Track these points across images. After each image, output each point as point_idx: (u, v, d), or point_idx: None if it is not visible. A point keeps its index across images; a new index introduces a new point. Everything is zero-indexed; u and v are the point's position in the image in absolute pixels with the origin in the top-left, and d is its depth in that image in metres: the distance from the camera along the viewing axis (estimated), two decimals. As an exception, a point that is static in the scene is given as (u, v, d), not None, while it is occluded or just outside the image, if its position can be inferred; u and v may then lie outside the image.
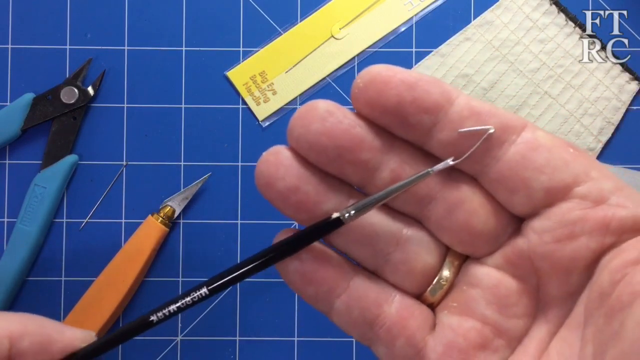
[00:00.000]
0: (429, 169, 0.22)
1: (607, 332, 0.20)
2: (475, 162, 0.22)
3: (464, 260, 0.24)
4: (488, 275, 0.23)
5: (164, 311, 0.23)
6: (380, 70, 0.21)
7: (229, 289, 0.23)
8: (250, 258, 0.23)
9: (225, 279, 0.23)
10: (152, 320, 0.23)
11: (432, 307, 0.24)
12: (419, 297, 0.24)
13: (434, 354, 0.23)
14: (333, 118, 0.22)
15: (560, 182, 0.21)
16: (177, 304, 0.23)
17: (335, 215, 0.22)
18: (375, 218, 0.23)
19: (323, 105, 0.22)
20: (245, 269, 0.23)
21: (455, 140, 0.22)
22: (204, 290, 0.23)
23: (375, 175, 0.23)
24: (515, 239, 0.23)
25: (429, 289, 0.24)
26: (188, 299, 0.23)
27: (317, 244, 0.23)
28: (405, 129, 0.22)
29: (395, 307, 0.23)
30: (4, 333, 0.23)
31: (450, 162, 0.22)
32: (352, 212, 0.22)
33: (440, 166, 0.22)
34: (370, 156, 0.22)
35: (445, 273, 0.24)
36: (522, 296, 0.23)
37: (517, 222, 0.23)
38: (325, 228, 0.22)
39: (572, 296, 0.22)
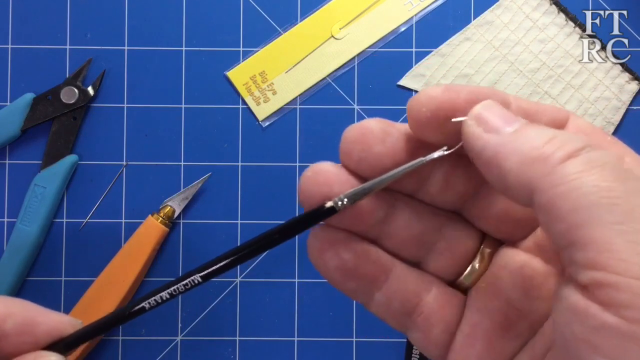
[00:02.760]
0: (422, 158, 0.22)
1: None
2: None
3: (499, 245, 0.24)
4: (517, 257, 0.23)
5: (155, 297, 0.23)
6: (440, 96, 0.21)
7: (223, 274, 0.23)
8: (241, 246, 0.23)
9: (217, 266, 0.23)
10: (144, 307, 0.23)
11: (465, 290, 0.25)
12: (454, 281, 0.24)
13: (460, 335, 0.23)
14: (391, 137, 0.22)
15: None
16: (169, 290, 0.23)
17: (329, 204, 0.22)
18: (422, 216, 0.24)
19: (377, 125, 0.22)
20: (236, 256, 0.23)
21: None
22: (196, 277, 0.23)
23: (427, 182, 0.23)
24: None
25: (464, 274, 0.24)
26: (180, 285, 0.23)
27: (357, 240, 0.23)
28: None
29: (434, 295, 0.24)
30: None
31: (444, 152, 0.22)
32: (345, 200, 0.22)
33: (434, 155, 0.22)
34: (430, 169, 0.23)
35: (480, 259, 0.24)
36: (548, 278, 0.23)
37: None
38: (318, 216, 0.23)
39: None
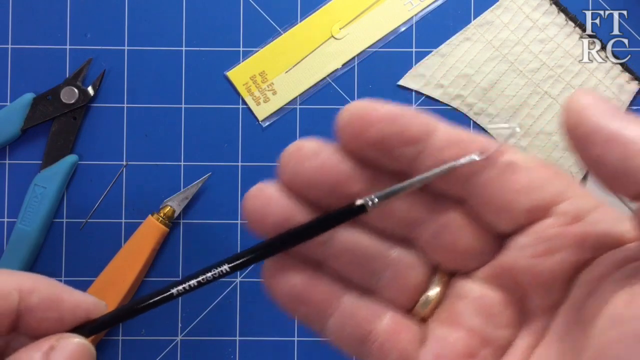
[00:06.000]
0: (454, 162, 0.22)
1: (580, 343, 0.20)
2: (459, 187, 0.23)
3: (452, 275, 0.25)
4: (474, 287, 0.24)
5: (184, 285, 0.24)
6: (362, 107, 0.22)
7: (250, 267, 0.24)
8: (271, 239, 0.24)
9: (247, 258, 0.24)
10: (172, 293, 0.24)
11: (423, 320, 0.25)
12: (409, 311, 0.25)
13: None
14: (323, 154, 0.23)
15: (541, 202, 0.22)
16: (198, 279, 0.24)
17: (359, 201, 0.23)
18: (367, 240, 0.24)
19: (310, 144, 0.23)
20: (267, 249, 0.24)
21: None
22: (225, 267, 0.24)
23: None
24: (499, 254, 0.23)
25: (419, 303, 0.24)
26: (209, 274, 0.24)
27: (307, 265, 0.24)
28: (390, 160, 0.23)
29: (387, 322, 0.24)
30: (14, 286, 0.24)
31: (475, 157, 0.22)
32: (376, 200, 0.23)
33: (465, 160, 0.22)
34: (360, 187, 0.23)
35: (434, 288, 0.24)
36: (507, 307, 0.23)
37: (502, 239, 0.24)
38: (348, 214, 0.23)
39: (554, 308, 0.23)
